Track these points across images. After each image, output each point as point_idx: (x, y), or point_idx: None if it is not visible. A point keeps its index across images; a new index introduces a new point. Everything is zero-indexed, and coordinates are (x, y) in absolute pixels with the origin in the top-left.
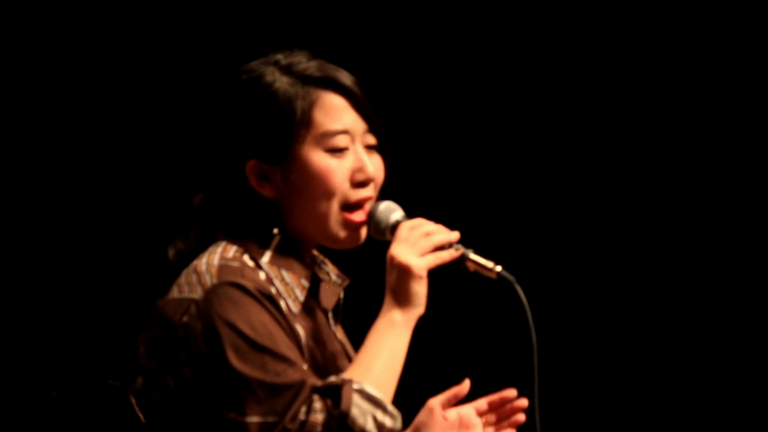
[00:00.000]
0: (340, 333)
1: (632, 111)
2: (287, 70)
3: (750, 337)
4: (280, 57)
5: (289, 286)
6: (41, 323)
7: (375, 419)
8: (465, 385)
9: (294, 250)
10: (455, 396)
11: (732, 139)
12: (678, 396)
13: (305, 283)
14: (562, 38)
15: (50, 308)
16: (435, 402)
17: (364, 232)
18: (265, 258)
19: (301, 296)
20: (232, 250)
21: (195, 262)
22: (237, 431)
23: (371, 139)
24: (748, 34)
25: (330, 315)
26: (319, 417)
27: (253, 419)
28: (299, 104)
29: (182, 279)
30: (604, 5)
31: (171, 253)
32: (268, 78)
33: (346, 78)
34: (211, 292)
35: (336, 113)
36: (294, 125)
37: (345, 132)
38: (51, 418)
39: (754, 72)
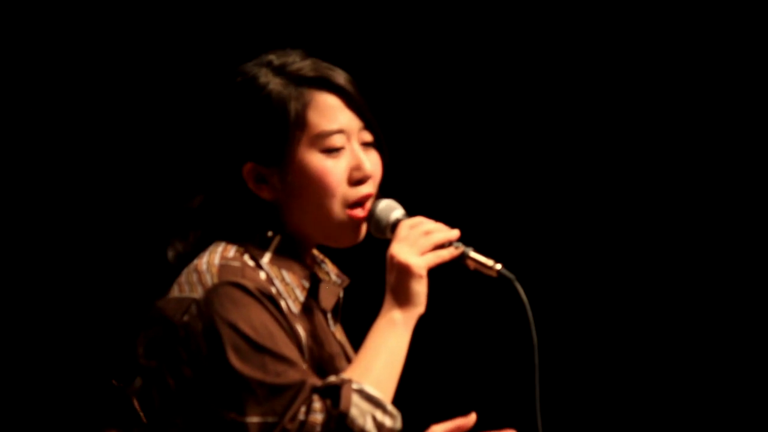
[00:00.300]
0: (339, 333)
1: (632, 110)
2: (280, 70)
3: (750, 337)
4: (273, 57)
5: (289, 287)
6: (41, 323)
7: (374, 419)
8: (471, 419)
9: (294, 250)
10: (458, 428)
11: (732, 139)
12: (678, 395)
13: (305, 283)
14: (561, 36)
15: (50, 308)
16: (438, 430)
17: (363, 229)
18: (266, 258)
19: (301, 296)
20: (232, 250)
21: (195, 261)
22: (237, 431)
23: (368, 136)
24: (748, 34)
25: (329, 315)
26: (318, 417)
27: (253, 419)
28: (293, 106)
29: (183, 278)
30: (604, 5)
31: (170, 254)
32: (262, 80)
33: (339, 76)
34: (211, 292)
35: (330, 113)
36: (288, 127)
37: (340, 131)
38: (51, 418)
39: (754, 72)
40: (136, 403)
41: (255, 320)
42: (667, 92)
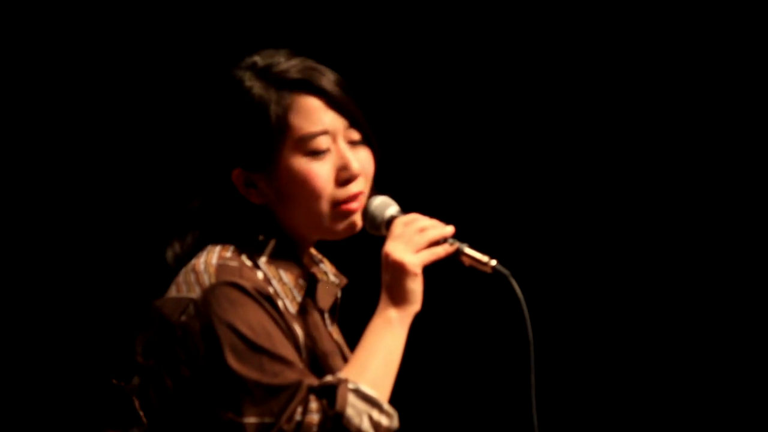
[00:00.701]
0: (336, 333)
1: (628, 106)
2: (263, 73)
3: (750, 337)
4: (257, 59)
5: (286, 287)
6: (41, 323)
7: (371, 418)
8: None
9: (291, 250)
10: None
11: (732, 139)
12: (674, 392)
13: (302, 283)
14: (558, 32)
15: (50, 308)
16: None
17: (359, 219)
18: (263, 258)
19: (299, 296)
20: (230, 250)
21: (193, 261)
22: (234, 431)
23: (355, 135)
24: (748, 34)
25: (326, 315)
26: (315, 417)
27: (250, 420)
28: (273, 110)
29: (180, 278)
30: (604, 5)
31: (169, 255)
32: (246, 84)
33: (321, 77)
34: (209, 292)
35: (313, 115)
36: (271, 132)
37: (324, 132)
38: (51, 417)
39: (754, 72)
40: (136, 403)
41: (252, 320)
42: (667, 92)
